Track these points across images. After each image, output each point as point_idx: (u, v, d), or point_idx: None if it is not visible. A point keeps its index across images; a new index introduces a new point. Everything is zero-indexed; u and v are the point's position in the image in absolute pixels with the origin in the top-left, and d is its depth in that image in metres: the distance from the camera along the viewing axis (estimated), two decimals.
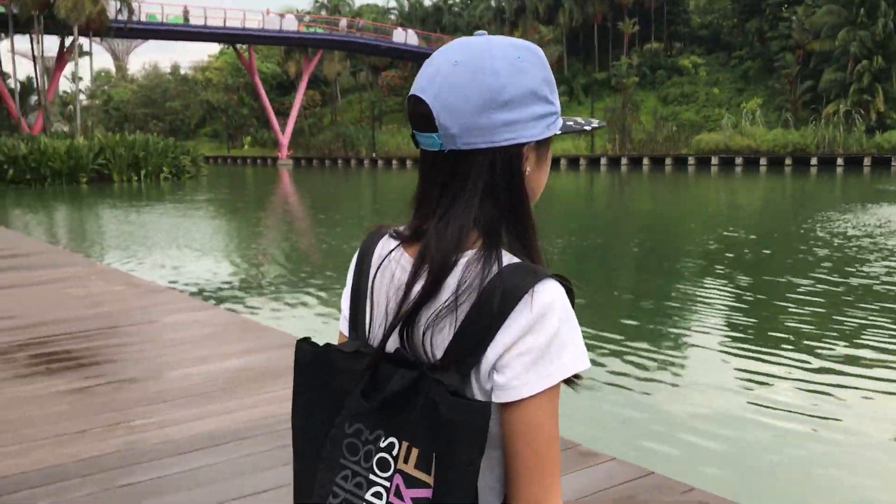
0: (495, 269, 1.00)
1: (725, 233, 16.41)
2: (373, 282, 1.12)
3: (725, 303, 9.39)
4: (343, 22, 65.53)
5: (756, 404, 5.65)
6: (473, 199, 1.03)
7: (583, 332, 1.02)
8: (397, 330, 1.04)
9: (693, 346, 7.58)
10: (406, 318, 1.03)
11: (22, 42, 52.17)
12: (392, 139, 65.39)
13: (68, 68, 54.17)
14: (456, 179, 1.05)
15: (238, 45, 62.24)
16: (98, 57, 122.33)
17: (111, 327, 5.36)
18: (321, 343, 1.14)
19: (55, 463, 3.08)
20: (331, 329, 7.91)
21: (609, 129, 56.06)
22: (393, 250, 1.12)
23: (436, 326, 1.01)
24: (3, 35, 48.33)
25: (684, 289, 10.62)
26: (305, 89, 77.69)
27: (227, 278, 12.19)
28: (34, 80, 50.75)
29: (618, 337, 7.70)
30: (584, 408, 5.31)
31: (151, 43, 60.74)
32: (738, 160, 48.40)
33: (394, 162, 61.10)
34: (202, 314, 5.85)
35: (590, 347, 6.58)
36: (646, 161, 51.94)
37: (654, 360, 6.95)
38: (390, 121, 77.03)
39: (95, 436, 3.37)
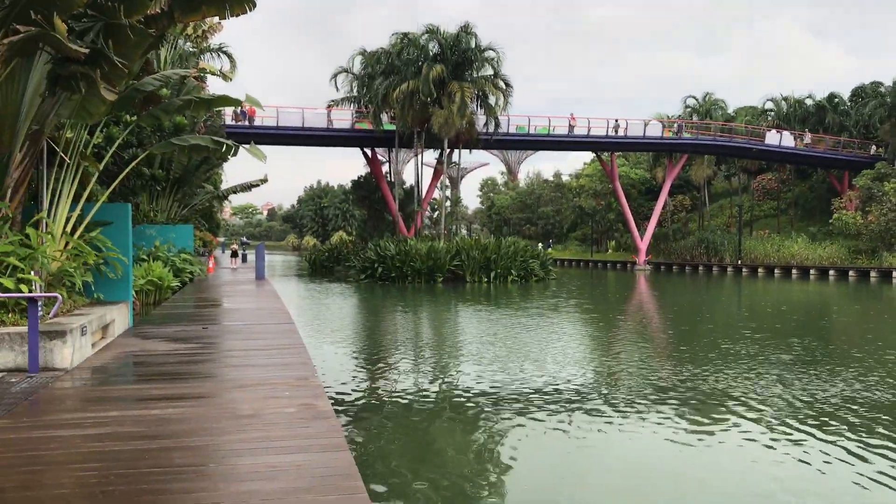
0: None
1: None
2: None
3: None
4: (676, 126, 63.48)
5: None
6: None
7: None
8: None
9: None
10: None
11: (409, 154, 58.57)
12: (760, 245, 60.73)
13: (469, 177, 60.04)
14: None
15: (601, 153, 63.72)
16: (495, 166, 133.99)
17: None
18: None
19: None
20: None
21: None
22: None
23: None
24: (392, 149, 55.20)
25: None
26: (677, 194, 76.44)
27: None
28: (416, 189, 56.69)
29: None
30: None
31: (540, 153, 64.81)
32: None
33: (760, 270, 56.52)
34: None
35: None
36: None
37: None
38: (762, 226, 72.02)
39: None
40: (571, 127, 57.73)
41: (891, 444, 8.72)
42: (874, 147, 64.84)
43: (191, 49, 31.98)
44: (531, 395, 11.42)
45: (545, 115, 56.95)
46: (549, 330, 20.45)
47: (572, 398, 11.28)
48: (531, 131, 56.42)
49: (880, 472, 7.68)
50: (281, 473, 4.36)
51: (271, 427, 5.46)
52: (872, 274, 49.01)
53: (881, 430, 9.37)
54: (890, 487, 7.25)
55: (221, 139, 12.88)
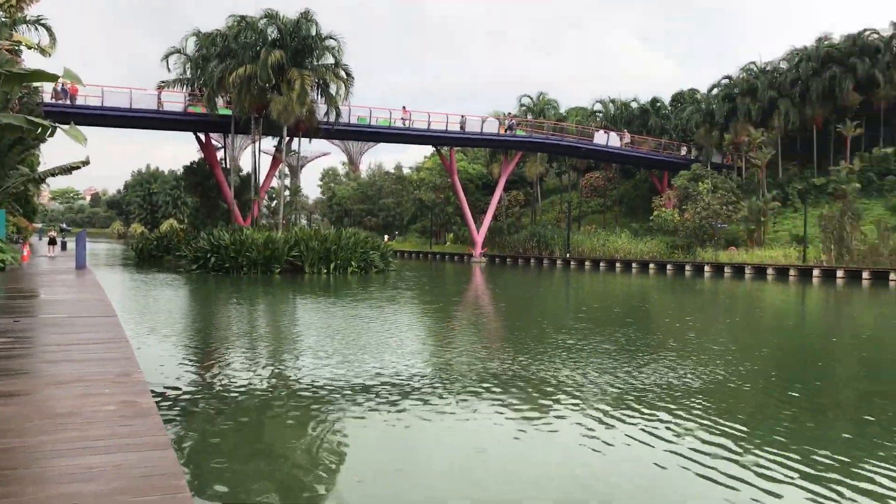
0: None
1: None
2: None
3: None
4: (507, 123, 65.87)
5: None
6: None
7: None
8: None
9: None
10: None
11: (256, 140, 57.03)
12: (587, 240, 64.06)
13: (310, 167, 58.86)
14: None
15: (441, 147, 64.74)
16: (336, 156, 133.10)
17: None
18: None
19: None
20: None
21: (824, 238, 51.22)
22: None
23: None
24: (228, 135, 53.53)
25: None
26: (511, 190, 78.91)
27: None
28: (253, 176, 55.21)
29: None
30: None
31: (382, 145, 65.72)
32: None
33: (586, 263, 59.59)
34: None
35: None
36: (866, 275, 46.49)
37: None
38: (589, 221, 75.90)
39: None
40: (404, 120, 58.24)
41: (702, 426, 9.48)
42: (685, 149, 70.02)
43: (3, 20, 29.47)
44: (368, 387, 11.48)
45: (387, 108, 57.18)
46: (388, 321, 20.62)
47: (408, 388, 11.44)
48: (373, 123, 56.45)
49: (693, 448, 8.34)
50: (98, 474, 4.16)
51: (89, 426, 5.19)
52: (687, 268, 52.93)
53: (693, 412, 10.17)
54: (702, 462, 7.90)
55: (38, 119, 12.01)
